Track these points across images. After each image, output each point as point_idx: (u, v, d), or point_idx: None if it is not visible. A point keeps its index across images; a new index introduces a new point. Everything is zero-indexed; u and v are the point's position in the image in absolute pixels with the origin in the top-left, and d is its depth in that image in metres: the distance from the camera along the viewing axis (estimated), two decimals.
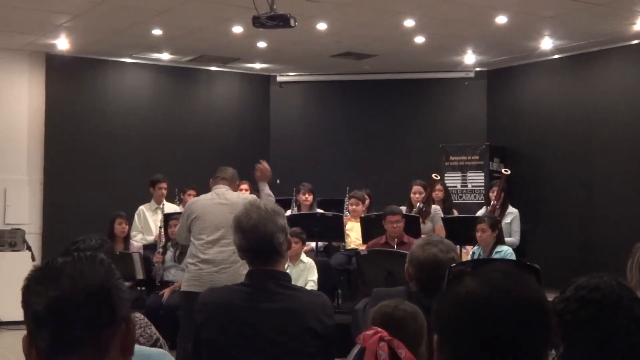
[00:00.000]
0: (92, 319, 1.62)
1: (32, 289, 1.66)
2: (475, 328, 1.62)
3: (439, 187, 9.96)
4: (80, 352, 1.61)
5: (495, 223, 8.04)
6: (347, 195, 9.91)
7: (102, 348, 1.63)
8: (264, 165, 6.95)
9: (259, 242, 3.18)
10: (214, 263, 6.40)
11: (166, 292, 8.37)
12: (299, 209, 9.88)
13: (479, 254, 7.95)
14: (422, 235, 8.72)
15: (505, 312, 1.62)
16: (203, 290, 6.19)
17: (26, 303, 1.66)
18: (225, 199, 6.63)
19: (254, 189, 10.35)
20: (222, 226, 6.49)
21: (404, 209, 8.90)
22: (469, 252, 8.56)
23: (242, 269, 6.48)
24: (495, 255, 7.78)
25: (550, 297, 2.46)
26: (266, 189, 6.86)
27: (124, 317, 1.68)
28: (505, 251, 7.84)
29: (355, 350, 3.04)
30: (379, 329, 2.89)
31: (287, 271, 3.45)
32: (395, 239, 8.12)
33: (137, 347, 1.89)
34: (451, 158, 12.10)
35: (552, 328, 1.68)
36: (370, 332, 2.88)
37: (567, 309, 2.35)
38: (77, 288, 1.63)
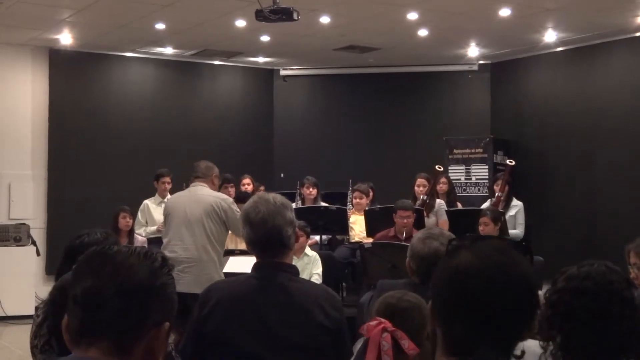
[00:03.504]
0: (119, 315, 1.61)
1: (79, 270, 1.68)
2: (465, 298, 1.71)
3: (443, 180, 9.97)
4: (100, 344, 1.62)
5: (497, 216, 8.03)
6: (351, 189, 9.92)
7: (125, 347, 1.62)
8: None
9: (267, 235, 3.18)
10: (177, 261, 6.30)
11: None
12: (303, 203, 9.89)
13: None
14: None
15: (494, 284, 1.70)
16: None
17: (71, 282, 1.68)
18: (196, 196, 6.59)
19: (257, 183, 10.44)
20: (188, 224, 6.47)
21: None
22: None
23: (208, 268, 6.45)
24: None
25: None
26: None
27: (157, 323, 1.66)
28: None
29: (360, 343, 3.05)
30: (383, 320, 2.90)
31: None
32: (404, 233, 8.13)
33: None
34: (455, 151, 12.08)
35: (538, 304, 1.76)
36: (373, 322, 2.89)
37: (560, 300, 2.36)
38: (116, 281, 1.62)
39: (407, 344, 2.84)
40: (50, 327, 3.05)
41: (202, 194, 6.62)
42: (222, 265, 6.68)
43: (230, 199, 6.88)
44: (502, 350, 1.70)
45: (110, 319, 1.61)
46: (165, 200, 8.10)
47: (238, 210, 6.70)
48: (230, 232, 8.17)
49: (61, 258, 3.18)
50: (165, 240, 6.64)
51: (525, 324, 1.73)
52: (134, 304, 1.62)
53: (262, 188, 9.87)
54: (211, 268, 6.45)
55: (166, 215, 6.73)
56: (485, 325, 1.69)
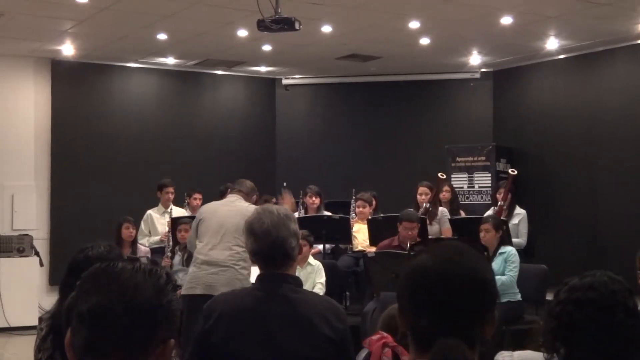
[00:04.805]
0: (126, 333, 1.61)
1: (84, 288, 1.67)
2: (424, 293, 1.82)
3: (446, 188, 9.95)
4: None
5: (499, 224, 8.01)
6: (354, 197, 9.91)
7: None
8: None
9: (271, 247, 3.18)
10: (213, 264, 6.47)
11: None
12: (305, 212, 9.88)
13: None
14: (429, 237, 8.75)
15: (448, 277, 1.81)
16: (200, 292, 6.29)
17: (75, 299, 1.67)
18: (233, 205, 6.71)
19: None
20: (225, 229, 6.60)
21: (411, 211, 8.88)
22: None
23: (241, 275, 6.55)
24: (499, 256, 7.77)
25: None
26: None
27: (163, 340, 1.66)
28: (509, 252, 7.82)
29: (363, 354, 3.05)
30: (385, 334, 2.90)
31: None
32: (408, 243, 8.09)
33: None
34: (457, 159, 12.08)
35: (493, 298, 1.86)
36: (375, 337, 2.89)
37: (564, 312, 2.36)
38: (123, 299, 1.62)
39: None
40: (54, 340, 3.04)
41: (240, 204, 6.74)
42: (251, 271, 6.75)
43: None
44: (464, 340, 1.78)
45: (116, 338, 1.61)
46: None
47: None
48: None
49: (65, 272, 3.17)
50: (200, 245, 6.70)
51: (482, 314, 1.82)
52: (141, 322, 1.62)
53: (273, 200, 9.85)
54: (244, 275, 6.53)
55: (200, 220, 6.81)
56: (446, 317, 1.78)
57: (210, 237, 6.65)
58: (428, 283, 1.82)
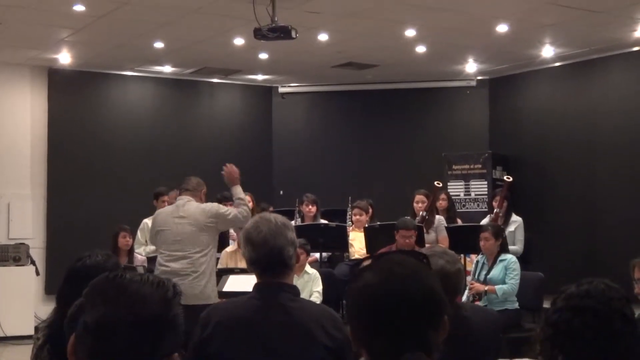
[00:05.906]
0: (131, 345, 1.60)
1: (91, 297, 1.67)
2: (374, 312, 1.82)
3: (442, 196, 9.96)
4: None
5: (499, 231, 8.04)
6: (350, 206, 9.91)
7: None
8: (229, 167, 7.09)
9: (268, 256, 3.18)
10: (172, 274, 6.50)
11: None
12: (302, 220, 9.89)
13: (483, 263, 7.95)
14: (426, 245, 8.76)
15: (396, 294, 1.82)
16: None
17: (81, 308, 1.67)
18: (183, 212, 6.79)
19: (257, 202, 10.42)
20: (179, 237, 6.70)
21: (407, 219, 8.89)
22: (473, 261, 8.55)
23: (201, 280, 6.67)
24: (499, 264, 7.80)
25: None
26: (238, 192, 6.95)
27: (168, 353, 1.66)
28: (509, 259, 7.84)
29: None
30: None
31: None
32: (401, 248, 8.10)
33: None
34: (454, 167, 12.08)
35: (443, 304, 1.86)
36: None
37: (561, 319, 2.36)
38: (130, 311, 1.61)
39: None
40: (51, 350, 3.03)
41: (190, 208, 6.81)
42: (213, 275, 6.86)
43: (214, 204, 7.13)
44: (423, 351, 1.79)
45: (121, 349, 1.60)
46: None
47: (226, 208, 6.91)
48: (230, 249, 8.32)
49: (62, 281, 3.16)
50: (159, 256, 6.86)
51: (435, 322, 1.83)
52: (147, 335, 1.62)
53: (271, 209, 9.86)
54: (203, 280, 6.66)
55: (156, 231, 6.93)
56: (403, 333, 1.79)
57: (166, 247, 6.76)
58: (378, 302, 1.82)
